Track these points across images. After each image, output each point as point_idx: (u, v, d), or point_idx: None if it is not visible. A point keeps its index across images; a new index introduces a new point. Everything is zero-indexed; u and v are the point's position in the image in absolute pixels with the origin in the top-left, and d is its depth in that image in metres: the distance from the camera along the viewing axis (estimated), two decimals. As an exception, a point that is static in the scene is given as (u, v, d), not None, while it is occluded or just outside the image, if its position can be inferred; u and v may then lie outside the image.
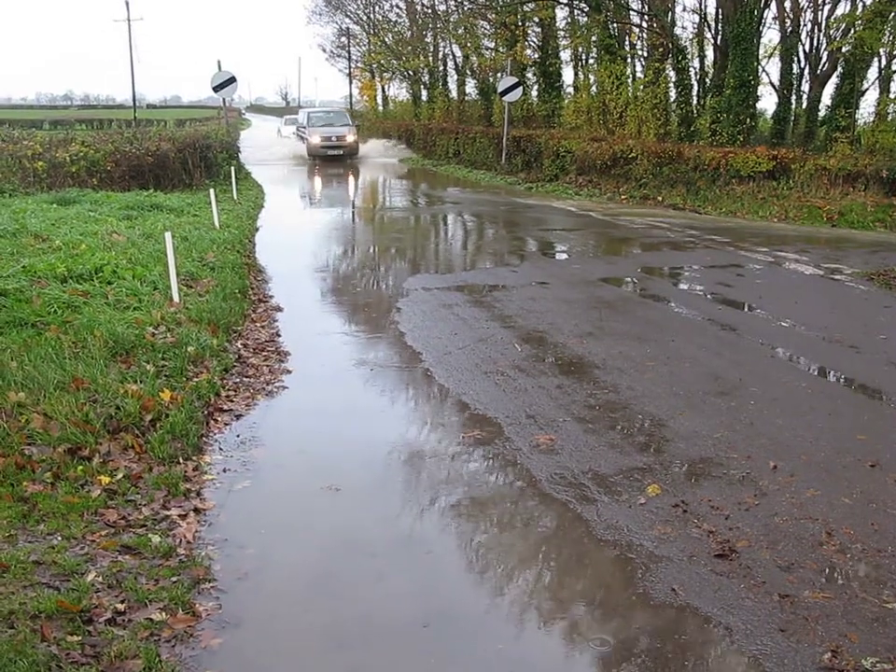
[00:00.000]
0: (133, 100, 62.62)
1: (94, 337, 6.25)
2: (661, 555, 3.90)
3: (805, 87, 23.69)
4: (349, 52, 54.59)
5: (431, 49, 42.14)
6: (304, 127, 34.33)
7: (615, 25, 25.65)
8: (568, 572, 3.83)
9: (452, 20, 36.36)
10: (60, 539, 3.83)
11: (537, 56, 29.90)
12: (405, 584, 3.70)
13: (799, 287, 10.34)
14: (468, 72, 38.07)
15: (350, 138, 33.12)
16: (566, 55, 30.57)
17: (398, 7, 43.96)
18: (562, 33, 29.99)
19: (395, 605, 3.54)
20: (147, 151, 18.13)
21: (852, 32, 20.85)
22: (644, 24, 25.89)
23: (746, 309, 9.03)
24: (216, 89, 22.99)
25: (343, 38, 54.26)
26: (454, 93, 39.95)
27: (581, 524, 4.23)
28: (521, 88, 26.77)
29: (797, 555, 3.91)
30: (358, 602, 3.54)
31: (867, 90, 22.79)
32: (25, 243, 9.64)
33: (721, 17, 23.44)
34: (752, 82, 20.99)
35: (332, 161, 32.41)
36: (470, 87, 37.88)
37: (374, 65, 49.42)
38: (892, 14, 20.11)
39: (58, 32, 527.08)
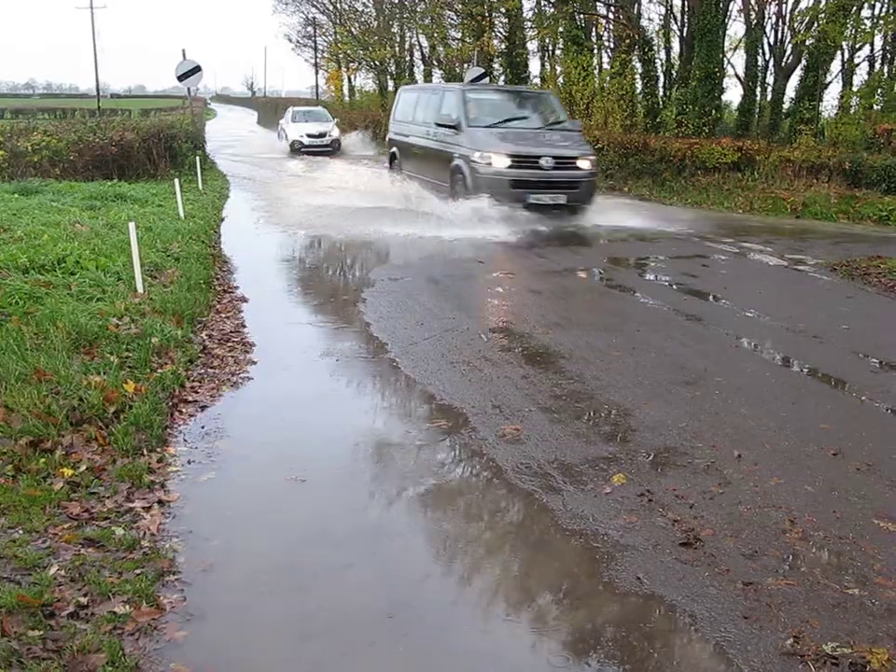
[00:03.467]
0: (97, 89, 62.08)
1: (57, 328, 6.17)
2: (626, 544, 3.92)
3: (770, 79, 23.90)
4: (315, 42, 54.36)
5: (398, 40, 42.04)
6: (452, 127, 14.64)
7: (582, 16, 25.71)
8: (534, 562, 3.84)
9: (418, 10, 36.27)
10: (21, 532, 3.78)
11: (504, 47, 29.87)
12: (371, 575, 3.69)
13: (763, 278, 10.43)
14: (434, 62, 38.04)
15: (585, 163, 14.16)
16: (532, 46, 30.64)
17: (364, -4, 43.82)
18: (529, 23, 29.99)
19: (361, 595, 3.52)
20: (111, 141, 17.88)
21: (816, 25, 21.06)
22: (610, 16, 26.00)
23: (711, 299, 9.09)
24: (180, 78, 22.68)
25: (310, 28, 54.01)
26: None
27: (547, 513, 4.23)
28: (488, 78, 26.70)
29: (761, 543, 3.94)
30: (325, 593, 3.53)
31: (831, 82, 23.19)
32: (-15, 233, 9.50)
33: (686, 9, 23.59)
34: (718, 74, 21.16)
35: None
36: (437, 77, 37.79)
37: (340, 55, 49.16)
38: (854, 8, 20.35)
39: (19, 18, 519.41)
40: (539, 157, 13.66)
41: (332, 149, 30.21)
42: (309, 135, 30.23)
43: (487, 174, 13.49)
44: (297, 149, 30.02)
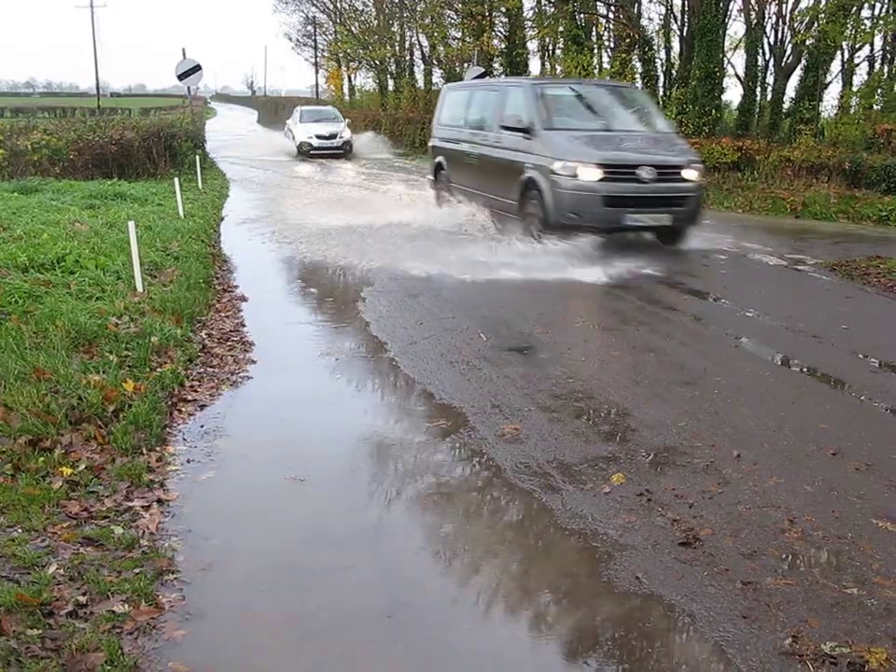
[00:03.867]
0: (97, 88, 62.14)
1: (56, 327, 6.16)
2: (625, 544, 3.92)
3: (770, 79, 23.86)
4: (315, 41, 54.45)
5: (398, 39, 42.06)
6: (522, 131, 11.66)
7: (582, 16, 25.70)
8: (534, 561, 3.84)
9: (418, 9, 36.29)
10: (20, 531, 3.78)
11: (504, 46, 29.89)
12: (371, 574, 3.69)
13: (763, 278, 10.42)
14: (434, 62, 38.02)
15: (692, 173, 11.39)
16: (533, 45, 30.65)
17: (364, -5, 43.85)
18: (529, 23, 30.00)
19: (361, 595, 3.52)
20: (110, 140, 17.90)
21: (816, 25, 21.05)
22: (611, 15, 25.98)
23: (710, 299, 9.09)
24: (180, 77, 22.65)
25: (310, 27, 54.12)
26: (420, 83, 39.89)
27: (546, 513, 4.23)
28: (488, 78, 26.68)
29: (760, 543, 3.94)
30: (324, 592, 3.52)
31: (830, 82, 23.16)
32: (-15, 232, 9.50)
33: (686, 8, 23.52)
34: (718, 74, 21.14)
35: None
36: (437, 77, 37.81)
37: (340, 54, 49.20)
38: (854, 8, 20.35)
39: (19, 18, 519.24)
40: (637, 166, 10.76)
41: (343, 151, 28.94)
42: (319, 136, 28.56)
43: (572, 189, 10.64)
44: (305, 151, 28.56)
